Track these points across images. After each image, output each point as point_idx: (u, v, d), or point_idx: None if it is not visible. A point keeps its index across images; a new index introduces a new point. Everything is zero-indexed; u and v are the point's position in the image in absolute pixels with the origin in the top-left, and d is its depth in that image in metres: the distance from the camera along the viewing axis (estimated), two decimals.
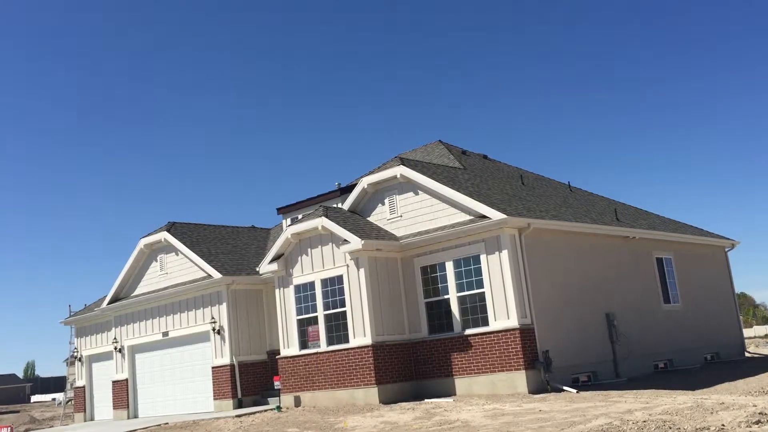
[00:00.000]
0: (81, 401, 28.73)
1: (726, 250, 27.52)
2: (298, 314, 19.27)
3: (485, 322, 17.04)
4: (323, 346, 18.59)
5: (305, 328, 19.13)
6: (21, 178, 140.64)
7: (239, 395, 21.43)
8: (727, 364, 22.82)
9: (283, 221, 24.69)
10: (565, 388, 16.32)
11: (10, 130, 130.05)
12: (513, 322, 16.53)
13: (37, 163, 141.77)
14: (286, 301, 19.59)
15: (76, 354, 29.22)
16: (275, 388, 20.07)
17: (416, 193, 18.73)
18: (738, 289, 34.11)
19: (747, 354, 27.28)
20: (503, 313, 16.73)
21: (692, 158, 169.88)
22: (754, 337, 69.85)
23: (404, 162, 19.07)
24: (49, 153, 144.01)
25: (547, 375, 16.45)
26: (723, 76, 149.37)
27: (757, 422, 9.49)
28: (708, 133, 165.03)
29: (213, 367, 22.07)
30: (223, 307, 21.94)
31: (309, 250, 19.16)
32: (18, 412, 51.75)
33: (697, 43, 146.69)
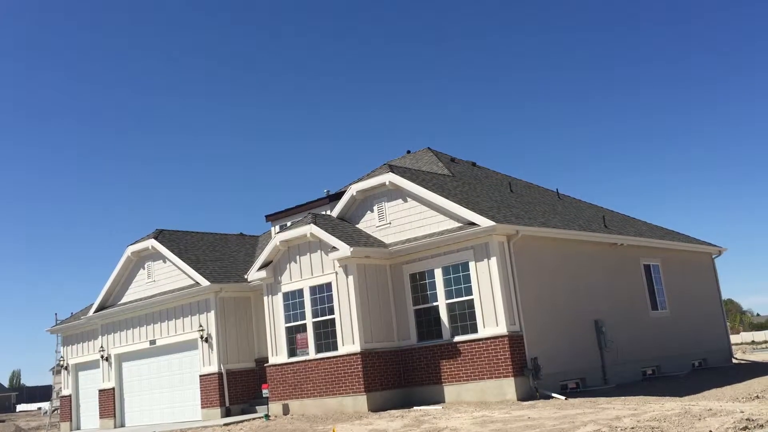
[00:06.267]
0: (67, 410, 28.47)
1: (713, 256, 27.66)
2: (286, 322, 19.20)
3: (474, 329, 17.03)
4: (312, 354, 18.52)
5: (294, 335, 19.06)
6: (7, 185, 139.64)
7: (227, 403, 21.30)
8: (714, 371, 22.91)
9: (272, 228, 24.62)
10: (553, 395, 16.33)
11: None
12: (502, 329, 16.54)
13: (24, 170, 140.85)
14: (274, 309, 19.51)
15: (62, 362, 28.97)
16: (263, 396, 19.98)
17: (405, 201, 18.74)
18: (725, 296, 34.34)
19: (734, 360, 27.41)
20: (492, 320, 16.74)
21: (680, 165, 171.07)
22: (741, 343, 70.29)
23: (393, 169, 19.08)
24: (39, 160, 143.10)
25: (535, 382, 16.45)
26: (711, 83, 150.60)
27: (744, 428, 9.54)
28: (697, 140, 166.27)
29: (201, 376, 21.93)
30: (211, 314, 21.82)
31: (298, 257, 19.11)
32: (3, 421, 51.26)
33: (686, 50, 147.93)
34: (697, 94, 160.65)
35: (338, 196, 21.51)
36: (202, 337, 21.91)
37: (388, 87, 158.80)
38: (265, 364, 19.84)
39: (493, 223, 16.59)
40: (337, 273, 18.18)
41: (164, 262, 23.66)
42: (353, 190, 19.55)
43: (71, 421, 28.18)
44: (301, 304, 18.85)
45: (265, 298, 19.82)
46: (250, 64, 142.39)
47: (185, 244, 24.19)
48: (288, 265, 19.31)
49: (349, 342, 17.74)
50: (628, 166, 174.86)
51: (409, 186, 18.42)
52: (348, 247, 17.61)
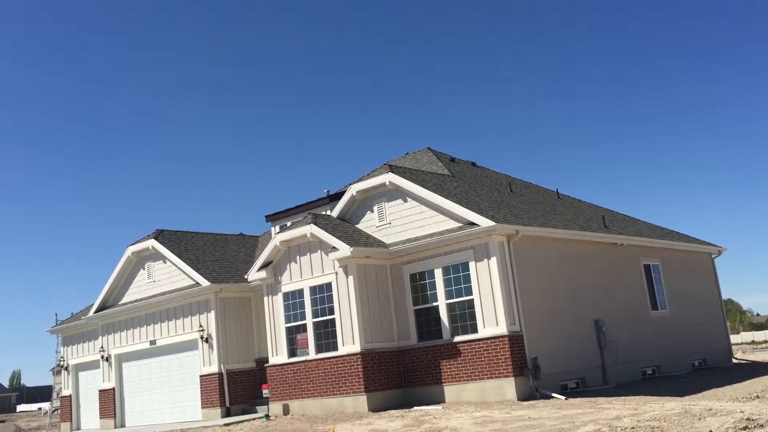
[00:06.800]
0: (67, 411, 28.46)
1: (713, 256, 27.66)
2: (286, 322, 19.20)
3: (474, 329, 17.03)
4: (312, 354, 18.52)
5: (294, 335, 19.06)
6: (8, 185, 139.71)
7: (227, 404, 21.30)
8: (714, 371, 22.92)
9: (272, 228, 24.62)
10: (553, 394, 16.33)
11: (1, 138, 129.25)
12: (502, 328, 16.54)
13: (25, 170, 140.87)
14: (274, 309, 19.51)
15: (62, 363, 28.97)
16: (264, 396, 19.96)
17: (405, 201, 18.74)
18: (725, 296, 34.32)
19: (734, 360, 27.42)
20: (492, 320, 16.74)
21: (680, 166, 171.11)
22: (741, 343, 70.37)
23: (393, 169, 19.07)
24: (39, 160, 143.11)
25: (535, 382, 16.45)
26: (711, 83, 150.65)
27: (745, 428, 9.55)
28: (697, 141, 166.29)
29: (201, 376, 21.93)
30: (212, 315, 21.82)
31: (298, 257, 19.11)
32: (4, 421, 51.28)
33: (686, 50, 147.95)
34: (697, 94, 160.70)
35: (338, 196, 21.51)
36: (202, 338, 21.91)
37: (388, 87, 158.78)
38: (266, 365, 19.84)
39: (493, 223, 16.59)
40: (337, 273, 18.18)
41: (164, 262, 23.66)
42: (353, 190, 19.54)
43: (71, 421, 28.18)
44: (301, 305, 18.85)
45: (265, 298, 19.82)
46: (250, 64, 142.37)
47: (185, 245, 24.19)
48: (288, 266, 19.31)
49: (349, 342, 17.74)
50: (628, 166, 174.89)
51: (409, 186, 18.41)
52: (348, 247, 17.61)
